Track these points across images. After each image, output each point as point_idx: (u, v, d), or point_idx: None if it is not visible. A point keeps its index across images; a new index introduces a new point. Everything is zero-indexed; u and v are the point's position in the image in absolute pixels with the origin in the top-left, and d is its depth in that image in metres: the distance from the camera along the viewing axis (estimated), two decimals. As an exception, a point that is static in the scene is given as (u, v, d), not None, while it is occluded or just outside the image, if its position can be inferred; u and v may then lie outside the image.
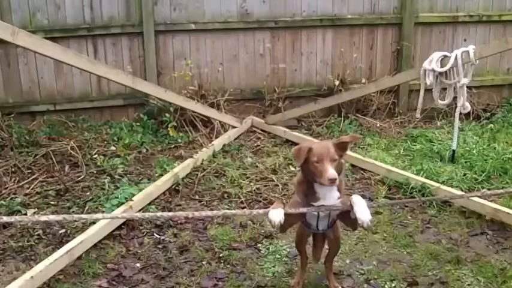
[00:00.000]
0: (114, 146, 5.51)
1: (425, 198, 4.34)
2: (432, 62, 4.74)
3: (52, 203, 4.47)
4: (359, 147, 5.62)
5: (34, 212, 4.29)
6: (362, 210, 2.75)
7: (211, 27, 6.18)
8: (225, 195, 4.61)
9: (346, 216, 2.94)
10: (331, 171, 2.73)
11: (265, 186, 4.77)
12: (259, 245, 3.88)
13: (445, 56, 4.73)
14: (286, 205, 3.00)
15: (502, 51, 5.56)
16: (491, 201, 4.28)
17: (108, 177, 4.84)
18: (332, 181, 2.73)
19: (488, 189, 4.47)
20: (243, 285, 3.42)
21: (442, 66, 4.71)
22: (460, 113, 4.91)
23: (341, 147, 2.88)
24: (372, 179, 4.90)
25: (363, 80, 6.43)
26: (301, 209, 2.92)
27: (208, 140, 5.73)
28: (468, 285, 3.41)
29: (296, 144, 5.47)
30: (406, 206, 4.39)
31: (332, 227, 3.15)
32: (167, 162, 5.09)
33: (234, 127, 6.00)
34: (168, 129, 5.82)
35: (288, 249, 3.80)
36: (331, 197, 2.90)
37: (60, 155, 5.26)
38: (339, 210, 2.97)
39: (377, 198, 4.57)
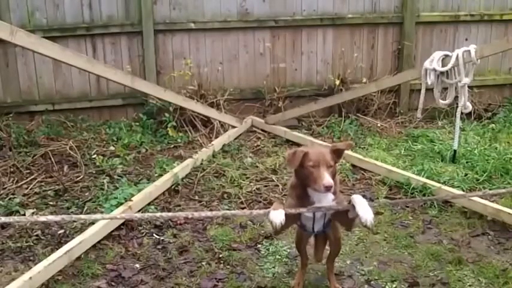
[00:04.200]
0: (113, 146, 5.49)
1: (427, 198, 4.32)
2: (433, 62, 4.72)
3: (51, 203, 4.45)
4: (360, 147, 5.60)
5: (33, 213, 4.27)
6: (364, 209, 2.73)
7: (211, 27, 6.17)
8: (225, 195, 4.59)
9: (342, 216, 2.93)
10: (327, 179, 2.70)
11: (265, 186, 4.74)
12: (259, 245, 3.86)
13: (446, 56, 4.72)
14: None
15: (504, 51, 5.53)
16: (492, 201, 4.26)
17: (107, 177, 4.81)
18: (327, 188, 2.70)
19: (490, 190, 4.44)
20: (243, 286, 3.40)
21: (443, 66, 4.70)
22: (462, 113, 4.90)
23: (337, 154, 2.87)
24: (373, 179, 4.88)
25: (364, 80, 6.41)
26: (301, 209, 2.89)
27: (207, 140, 5.70)
28: (469, 286, 3.39)
29: (296, 144, 5.48)
30: (407, 206, 4.38)
31: (327, 227, 3.12)
32: (166, 162, 5.07)
33: (233, 127, 5.98)
34: (168, 129, 5.80)
35: (288, 250, 3.78)
36: (325, 200, 2.88)
37: (59, 155, 5.24)
38: (334, 211, 2.94)
39: (378, 198, 4.55)
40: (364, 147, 5.61)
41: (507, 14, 6.63)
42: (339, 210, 2.92)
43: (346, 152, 3.02)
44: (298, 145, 5.26)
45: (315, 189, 2.78)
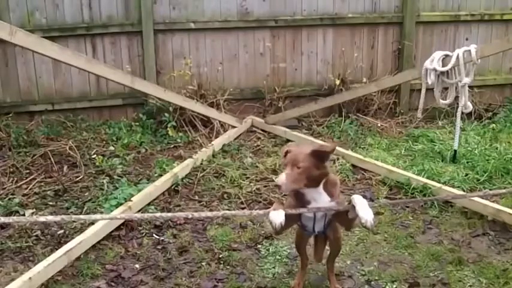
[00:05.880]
0: (113, 146, 5.48)
1: (427, 198, 4.31)
2: (434, 61, 4.71)
3: (50, 203, 4.45)
4: (360, 147, 5.59)
5: (32, 213, 4.26)
6: (364, 210, 2.72)
7: (211, 26, 6.15)
8: (225, 195, 4.58)
9: (342, 216, 2.92)
10: (279, 177, 2.72)
11: (265, 186, 4.73)
12: (259, 245, 3.85)
13: (447, 55, 4.70)
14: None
15: (504, 51, 5.53)
16: (493, 201, 4.25)
17: (107, 177, 4.80)
18: (278, 187, 2.74)
19: (490, 190, 4.43)
20: (243, 287, 3.40)
21: (443, 66, 4.69)
22: (462, 113, 4.89)
23: (317, 156, 2.78)
24: (373, 179, 4.87)
25: (364, 80, 6.39)
26: (301, 209, 2.89)
27: (207, 140, 5.69)
28: (470, 286, 3.39)
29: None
30: (408, 207, 4.37)
31: (328, 228, 3.12)
32: (166, 163, 5.05)
33: (233, 127, 5.97)
34: (168, 129, 5.79)
35: (288, 250, 3.77)
36: (321, 200, 2.87)
37: (59, 155, 5.23)
38: (335, 211, 2.93)
39: (378, 198, 4.54)
40: (365, 147, 5.60)
41: (508, 13, 6.61)
42: (339, 210, 2.91)
43: (333, 152, 2.90)
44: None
45: None
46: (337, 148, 5.23)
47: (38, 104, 5.93)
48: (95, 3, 5.87)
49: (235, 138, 5.84)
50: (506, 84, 6.84)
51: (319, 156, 2.79)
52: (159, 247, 3.85)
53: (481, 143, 5.54)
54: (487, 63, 6.59)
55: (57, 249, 3.59)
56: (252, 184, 4.74)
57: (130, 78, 5.08)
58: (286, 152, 2.82)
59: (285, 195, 4.49)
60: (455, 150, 5.10)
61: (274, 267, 3.60)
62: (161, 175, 4.78)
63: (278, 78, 6.39)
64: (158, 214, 3.94)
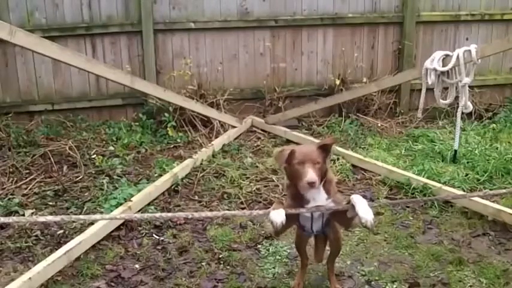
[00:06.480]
0: (112, 146, 5.47)
1: (427, 198, 4.31)
2: (434, 61, 4.71)
3: (50, 203, 4.44)
4: (360, 147, 5.58)
5: (32, 213, 4.26)
6: (364, 210, 2.72)
7: (211, 26, 6.15)
8: (225, 195, 4.58)
9: (340, 215, 2.92)
10: (310, 175, 2.71)
11: (265, 186, 4.73)
12: (259, 246, 3.85)
13: (447, 55, 4.71)
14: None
15: (505, 51, 5.51)
16: (493, 201, 4.25)
17: (106, 177, 4.80)
18: (311, 185, 2.71)
19: (491, 190, 4.42)
20: (243, 287, 3.39)
21: (443, 66, 4.69)
22: (462, 113, 4.89)
23: (324, 150, 2.85)
24: (373, 179, 4.86)
25: (364, 80, 6.39)
26: (301, 209, 2.88)
27: (207, 140, 5.69)
28: (470, 286, 3.38)
29: (296, 144, 5.46)
30: (408, 207, 4.36)
31: (326, 228, 3.11)
32: (166, 163, 5.05)
33: (233, 127, 5.97)
34: (167, 129, 5.78)
35: (288, 250, 3.76)
36: (319, 199, 2.88)
37: (59, 155, 5.22)
38: (333, 210, 2.93)
39: (378, 198, 4.53)
40: (365, 147, 5.59)
41: (508, 13, 6.61)
42: (338, 210, 2.91)
43: (334, 146, 2.99)
44: (297, 144, 5.25)
45: (300, 186, 2.78)
46: (337, 148, 5.25)
47: (38, 104, 5.93)
48: (95, 3, 5.87)
49: (235, 138, 5.84)
50: (506, 84, 6.83)
51: (325, 150, 2.85)
52: (159, 247, 3.85)
53: (481, 143, 5.54)
54: (487, 63, 6.59)
55: (57, 250, 3.59)
56: (252, 184, 4.74)
57: (130, 78, 5.07)
58: (291, 153, 2.80)
59: (284, 195, 4.51)
60: (455, 150, 5.10)
61: (274, 267, 3.60)
62: (161, 175, 4.77)
63: (278, 78, 6.39)
64: (158, 214, 3.93)
